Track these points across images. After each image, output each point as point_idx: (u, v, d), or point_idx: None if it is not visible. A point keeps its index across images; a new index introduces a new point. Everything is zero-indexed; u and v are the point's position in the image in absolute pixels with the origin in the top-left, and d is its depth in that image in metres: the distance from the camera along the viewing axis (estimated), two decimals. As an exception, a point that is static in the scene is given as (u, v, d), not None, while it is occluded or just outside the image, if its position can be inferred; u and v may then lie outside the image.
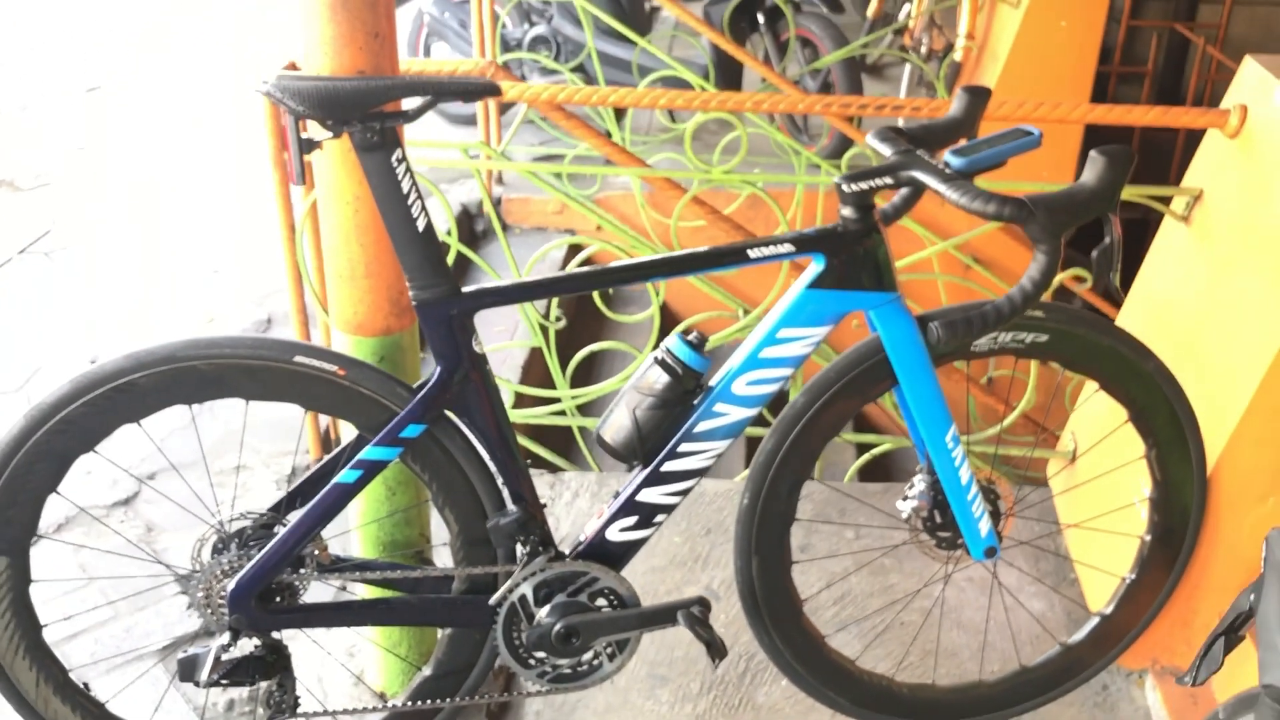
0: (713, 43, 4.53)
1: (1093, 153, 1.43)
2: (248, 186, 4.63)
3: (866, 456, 2.74)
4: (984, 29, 4.73)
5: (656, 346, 1.68)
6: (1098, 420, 2.32)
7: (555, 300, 2.67)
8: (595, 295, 2.75)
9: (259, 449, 2.88)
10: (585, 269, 1.62)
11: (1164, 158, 6.09)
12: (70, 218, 4.42)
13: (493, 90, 1.51)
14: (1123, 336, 1.75)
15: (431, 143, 2.52)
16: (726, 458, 3.60)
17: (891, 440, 2.63)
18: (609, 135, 3.77)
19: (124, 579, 2.20)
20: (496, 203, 4.52)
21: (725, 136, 3.32)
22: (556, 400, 2.76)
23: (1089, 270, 2.53)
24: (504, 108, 4.72)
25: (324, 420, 2.77)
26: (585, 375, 2.88)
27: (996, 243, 4.17)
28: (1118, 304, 2.04)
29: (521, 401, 2.89)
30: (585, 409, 2.82)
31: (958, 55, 4.72)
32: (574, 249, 3.88)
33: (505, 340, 3.37)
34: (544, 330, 2.71)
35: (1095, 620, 1.94)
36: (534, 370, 3.35)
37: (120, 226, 4.38)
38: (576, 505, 2.63)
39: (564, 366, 2.74)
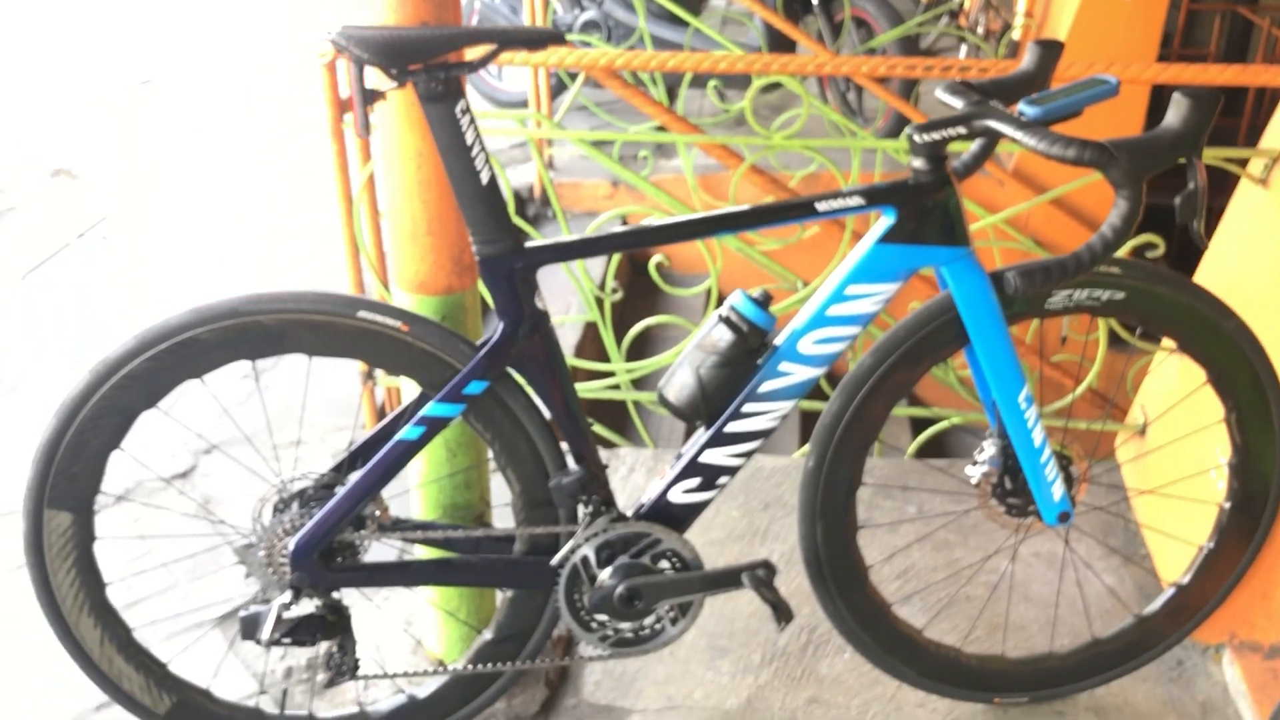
0: (766, 23, 4.49)
1: (1176, 94, 1.38)
2: (298, 171, 4.68)
3: (927, 433, 2.69)
4: (1043, 7, 4.65)
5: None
6: (1168, 391, 2.26)
7: (611, 271, 2.64)
8: (651, 269, 2.73)
9: (315, 424, 2.89)
10: (650, 224, 1.59)
11: (1227, 143, 5.96)
12: (124, 204, 4.48)
13: (557, 38, 1.48)
14: (1202, 294, 1.69)
15: (486, 113, 2.51)
16: (783, 435, 3.55)
17: (958, 415, 2.58)
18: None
19: (183, 547, 2.22)
20: (548, 187, 4.51)
21: (779, 118, 3.28)
22: (611, 374, 2.74)
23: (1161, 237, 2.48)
24: (554, 93, 4.72)
25: (380, 395, 2.77)
26: (638, 353, 2.86)
27: (1056, 223, 4.10)
28: (1200, 252, 1.98)
29: (576, 376, 2.88)
30: (639, 385, 2.80)
31: (1016, 34, 4.64)
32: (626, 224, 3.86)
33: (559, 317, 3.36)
34: (599, 303, 2.69)
35: (1171, 591, 1.88)
36: (588, 348, 3.34)
37: (172, 212, 4.44)
38: (632, 480, 2.60)
39: (618, 343, 2.72)
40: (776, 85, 4.17)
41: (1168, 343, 1.75)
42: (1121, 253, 2.38)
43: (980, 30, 5.16)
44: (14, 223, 4.32)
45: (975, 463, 1.77)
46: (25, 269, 3.89)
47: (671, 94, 4.75)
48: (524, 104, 4.93)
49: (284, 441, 2.78)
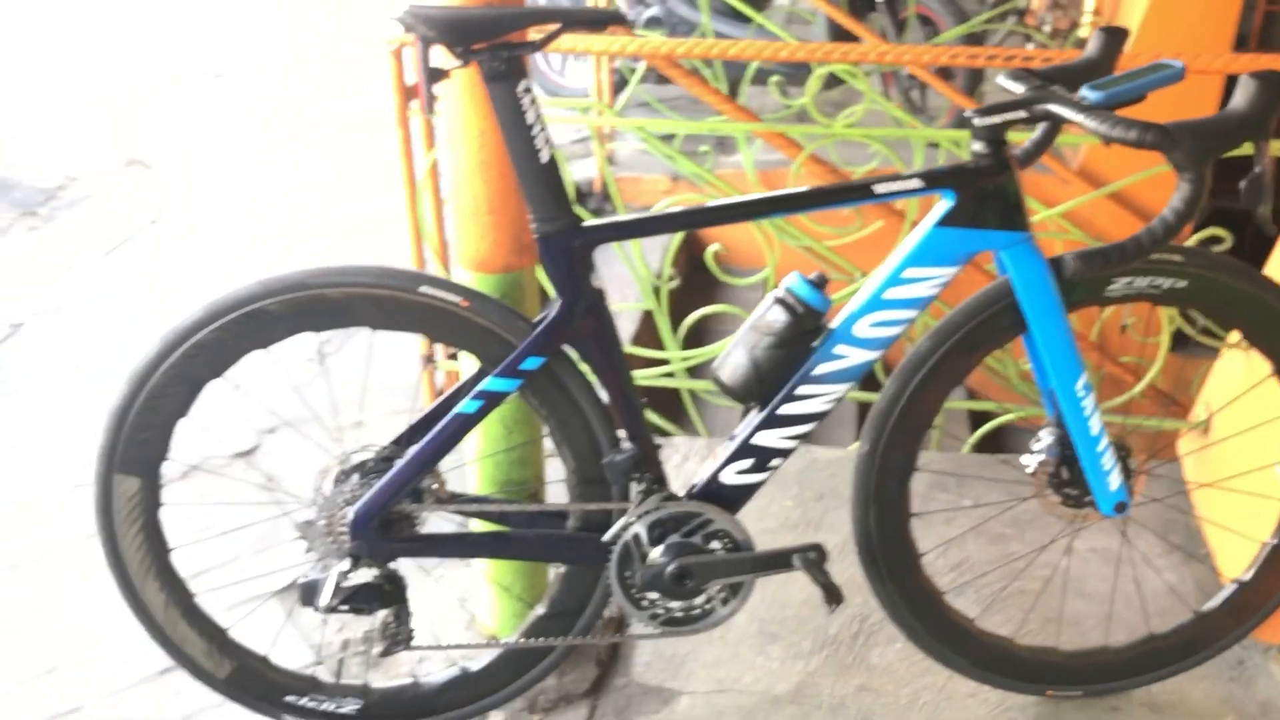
0: (830, 19, 4.47)
1: (1243, 77, 1.37)
2: (364, 164, 4.75)
3: (985, 427, 2.67)
4: (1112, 5, 4.58)
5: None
6: (1233, 385, 2.22)
7: (669, 259, 2.66)
8: (708, 258, 2.74)
9: (374, 407, 2.93)
10: (707, 204, 1.60)
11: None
12: (195, 194, 4.59)
13: (620, 19, 1.50)
14: (1269, 285, 1.66)
15: (548, 101, 2.54)
16: (839, 428, 3.52)
17: (1020, 408, 2.56)
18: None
19: (246, 519, 2.26)
20: (607, 182, 4.54)
21: (841, 114, 3.27)
22: (666, 362, 2.75)
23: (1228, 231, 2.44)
24: (615, 90, 4.74)
25: (439, 379, 2.81)
26: (694, 345, 2.87)
27: (1122, 224, 4.03)
28: (1269, 239, 1.95)
29: (631, 364, 2.90)
30: (694, 376, 2.81)
31: (1084, 33, 4.58)
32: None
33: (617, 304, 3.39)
34: (656, 292, 2.70)
35: (1233, 587, 1.85)
36: (643, 337, 3.36)
37: (240, 202, 4.54)
38: (685, 468, 2.61)
39: (674, 332, 2.73)
40: (839, 81, 4.15)
41: (1233, 337, 1.73)
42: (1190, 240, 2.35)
43: (1047, 29, 5.09)
44: (88, 210, 4.44)
45: (1031, 451, 1.76)
46: (100, 253, 3.99)
47: (733, 91, 4.75)
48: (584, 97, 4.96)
49: (344, 424, 2.82)
